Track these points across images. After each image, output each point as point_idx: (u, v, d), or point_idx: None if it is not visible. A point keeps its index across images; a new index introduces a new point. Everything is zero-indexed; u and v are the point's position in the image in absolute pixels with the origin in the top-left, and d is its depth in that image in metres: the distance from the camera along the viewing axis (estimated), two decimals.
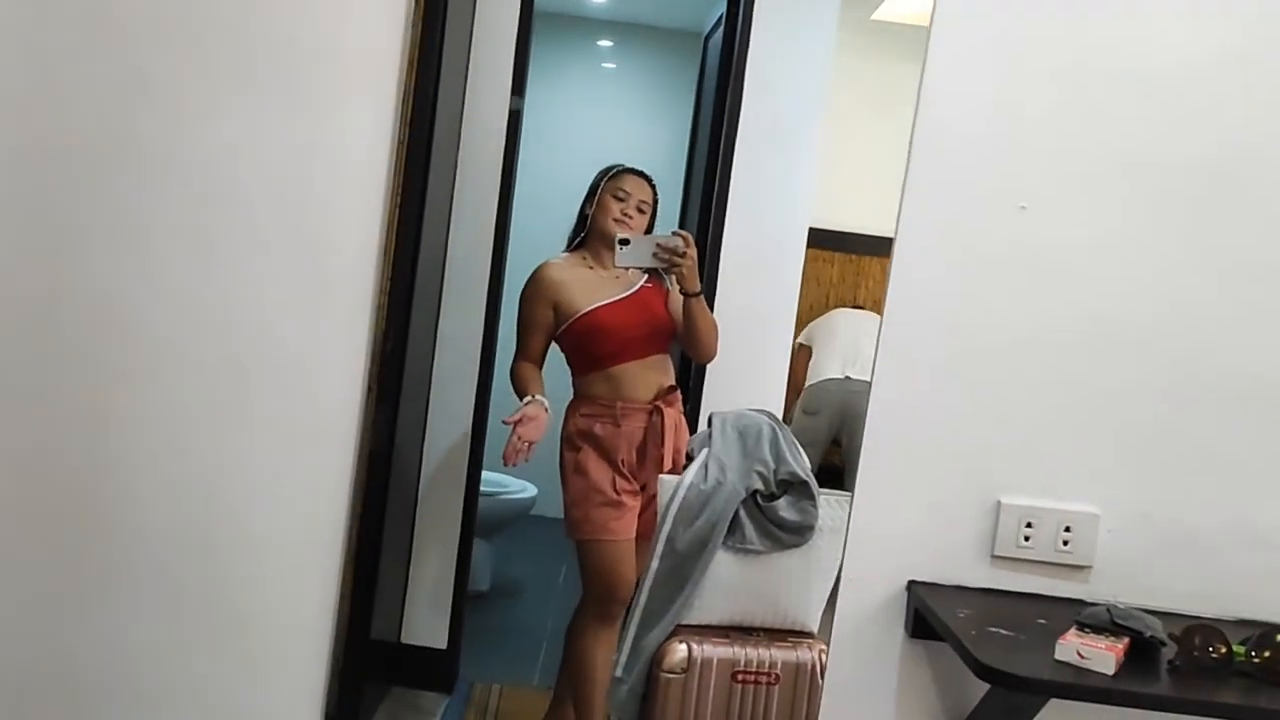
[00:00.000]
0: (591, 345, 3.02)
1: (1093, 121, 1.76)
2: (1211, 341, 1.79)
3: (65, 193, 2.00)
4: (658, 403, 3.01)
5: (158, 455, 2.03)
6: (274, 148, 2.00)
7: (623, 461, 2.99)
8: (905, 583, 1.79)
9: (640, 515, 3.01)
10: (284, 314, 2.02)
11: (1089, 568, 1.80)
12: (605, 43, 5.94)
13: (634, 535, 2.99)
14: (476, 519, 3.74)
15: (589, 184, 3.15)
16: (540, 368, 3.14)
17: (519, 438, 2.95)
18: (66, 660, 2.06)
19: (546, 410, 3.01)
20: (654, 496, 2.81)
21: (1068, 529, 1.78)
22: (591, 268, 3.07)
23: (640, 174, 3.15)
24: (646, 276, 3.09)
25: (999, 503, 1.78)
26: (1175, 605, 1.77)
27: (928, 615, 1.70)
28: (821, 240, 3.91)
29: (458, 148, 3.45)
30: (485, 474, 3.90)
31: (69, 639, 2.06)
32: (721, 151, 3.71)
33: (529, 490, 4.59)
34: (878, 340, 1.78)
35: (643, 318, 3.05)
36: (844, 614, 1.80)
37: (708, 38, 4.44)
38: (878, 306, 4.34)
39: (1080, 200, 1.76)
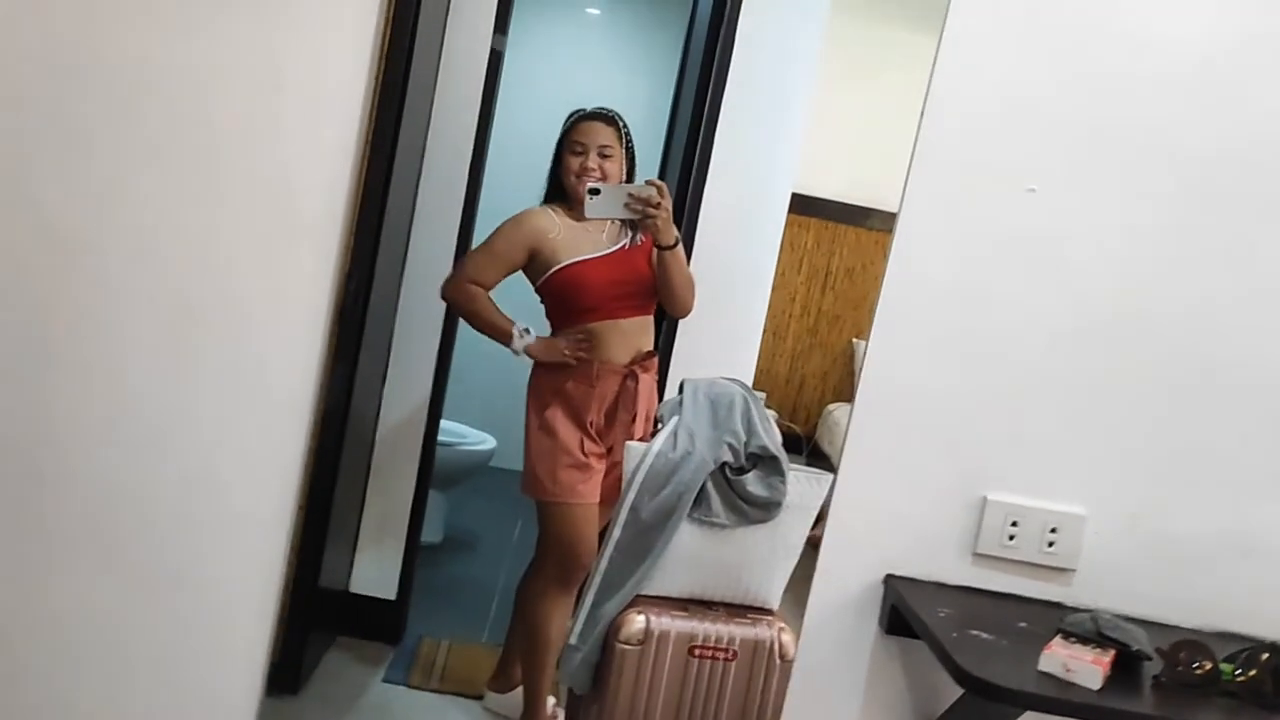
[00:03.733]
0: (569, 300, 2.92)
1: (1109, 104, 1.69)
2: (1213, 341, 1.73)
3: (16, 107, 1.86)
4: (634, 367, 2.92)
5: (95, 395, 1.90)
6: (245, 72, 1.86)
7: (591, 423, 2.90)
8: (883, 576, 1.72)
9: (604, 479, 2.93)
10: (244, 254, 1.89)
11: (1072, 571, 1.74)
12: None
13: (599, 499, 2.91)
14: (433, 469, 3.67)
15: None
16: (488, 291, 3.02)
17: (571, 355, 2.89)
18: None
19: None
20: (619, 462, 2.72)
21: (1053, 530, 1.72)
22: (578, 220, 2.94)
23: (599, 116, 2.99)
24: (637, 232, 2.96)
25: (985, 499, 1.72)
26: (1159, 614, 1.72)
27: (905, 613, 1.63)
28: (800, 206, 3.84)
29: (434, 87, 3.32)
30: (444, 423, 3.81)
31: None
32: (707, 108, 3.59)
33: (488, 441, 4.50)
34: (873, 316, 1.69)
35: (625, 276, 2.94)
36: (817, 604, 1.73)
37: None
38: (851, 275, 4.34)
39: (1088, 186, 1.68)
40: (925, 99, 1.67)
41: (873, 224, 4.02)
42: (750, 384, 3.74)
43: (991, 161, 1.68)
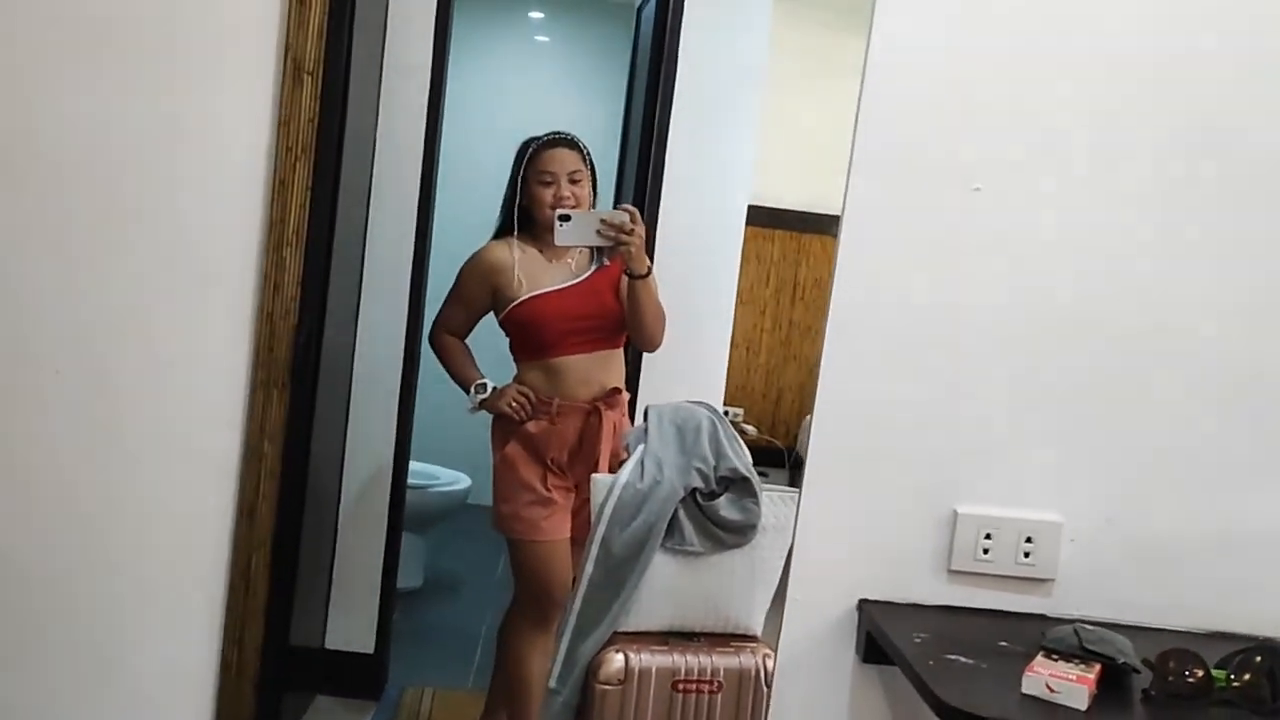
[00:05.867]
0: (528, 335, 2.85)
1: (1055, 90, 1.61)
2: (1181, 336, 1.65)
3: None
4: (598, 403, 2.83)
5: (8, 479, 1.80)
6: (135, 124, 1.78)
7: (553, 460, 2.83)
8: (856, 602, 1.64)
9: (574, 517, 2.85)
10: (153, 312, 1.81)
11: (1051, 580, 1.66)
12: (536, 15, 5.76)
13: (568, 535, 2.84)
14: (405, 513, 3.59)
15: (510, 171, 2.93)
16: (463, 339, 2.99)
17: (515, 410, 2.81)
18: None
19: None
20: (587, 499, 2.64)
21: (1029, 539, 1.65)
22: (542, 251, 2.86)
23: (561, 142, 2.89)
24: (604, 260, 2.86)
25: (955, 512, 1.64)
26: (1144, 619, 1.65)
27: (881, 640, 1.56)
28: (760, 218, 3.82)
29: (375, 126, 3.26)
30: (415, 465, 3.75)
31: None
32: (656, 126, 3.55)
33: (462, 481, 4.43)
34: (825, 330, 1.62)
35: (588, 309, 2.84)
36: (790, 637, 1.65)
37: (640, 8, 4.28)
38: (819, 286, 4.30)
39: (1036, 183, 1.61)
40: (859, 99, 1.60)
41: (838, 231, 4.03)
42: (721, 401, 3.70)
43: (933, 161, 1.61)
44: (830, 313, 1.63)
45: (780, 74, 3.65)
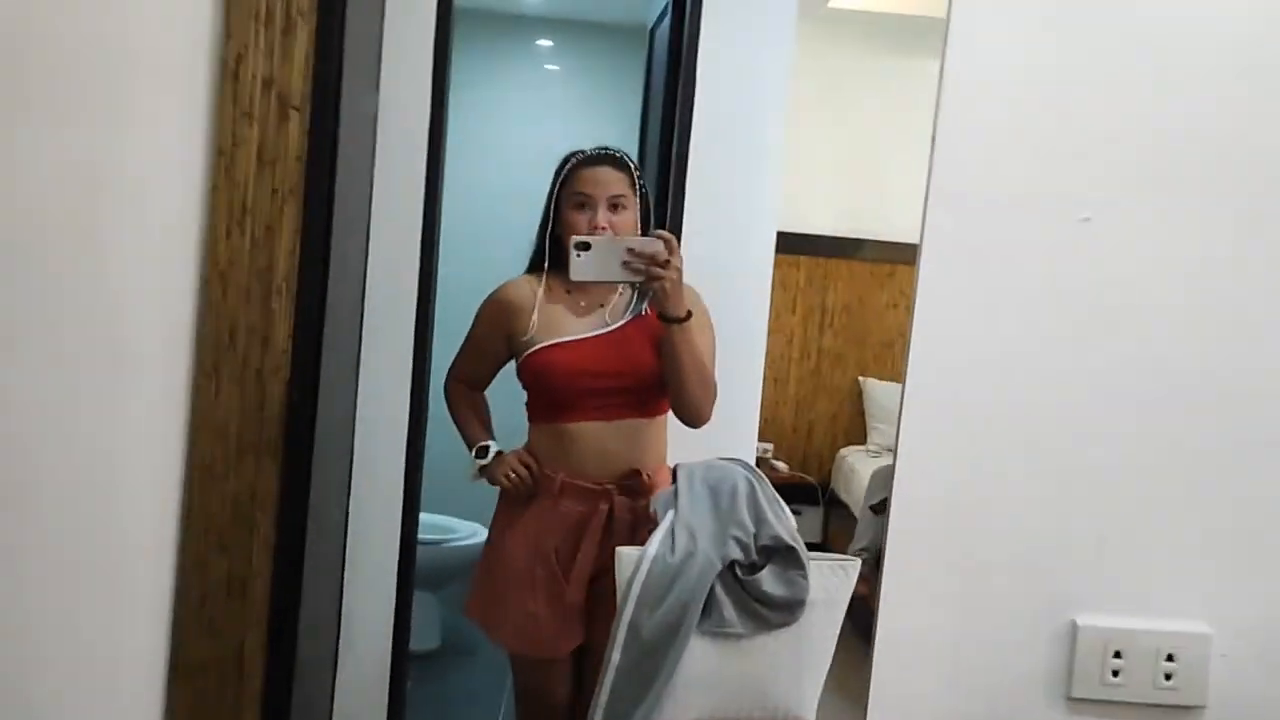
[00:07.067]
0: (540, 394, 2.47)
1: (1170, 99, 1.35)
2: None
3: None
4: (611, 486, 2.39)
5: None
6: (36, 172, 1.49)
7: (556, 551, 2.40)
8: None
9: (593, 623, 2.40)
10: (66, 402, 1.51)
11: (1201, 708, 1.38)
12: (545, 43, 5.65)
13: (571, 649, 2.42)
14: (417, 570, 3.36)
15: (546, 189, 2.52)
16: (481, 391, 2.63)
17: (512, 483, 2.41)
18: None
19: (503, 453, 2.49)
20: (601, 596, 2.28)
21: (1170, 657, 1.37)
22: (569, 292, 2.45)
23: (606, 159, 2.44)
24: (644, 308, 2.42)
25: (1074, 624, 1.36)
26: None
27: None
28: (785, 243, 3.65)
29: (372, 162, 3.04)
30: (428, 519, 3.54)
31: None
32: (675, 153, 3.31)
33: (479, 534, 4.20)
34: (900, 403, 1.35)
35: (615, 365, 2.41)
36: None
37: (654, 30, 4.08)
38: (847, 312, 4.15)
39: (1162, 209, 1.34)
40: (935, 119, 1.33)
41: (865, 255, 3.91)
42: (755, 441, 3.48)
43: (1029, 189, 1.34)
44: (907, 377, 1.36)
45: (801, 97, 3.49)
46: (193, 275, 1.61)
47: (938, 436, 1.33)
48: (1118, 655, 1.37)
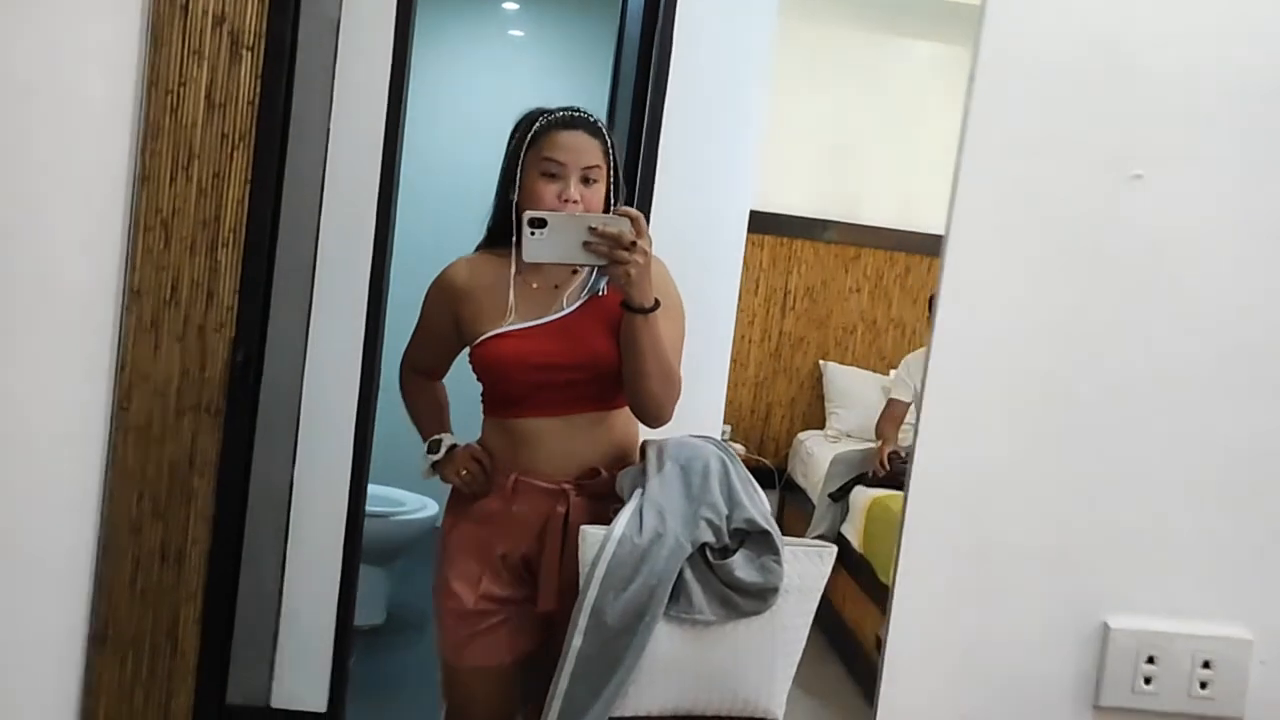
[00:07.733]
0: (491, 385, 2.19)
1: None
2: None
3: None
4: (568, 485, 2.13)
5: None
6: None
7: (503, 557, 2.16)
8: None
9: (542, 633, 2.17)
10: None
11: None
12: (510, 6, 5.48)
13: (510, 660, 2.19)
14: (364, 544, 3.25)
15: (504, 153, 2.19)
16: (438, 379, 2.37)
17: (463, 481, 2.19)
18: None
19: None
20: (558, 609, 2.07)
21: (1206, 664, 1.27)
22: (520, 273, 2.12)
23: (581, 122, 2.12)
24: (601, 288, 2.15)
25: (1105, 626, 1.25)
26: None
27: None
28: (752, 223, 3.52)
29: (329, 113, 2.91)
30: (376, 490, 3.41)
31: None
32: (646, 126, 3.17)
33: (429, 507, 4.07)
34: (921, 388, 1.23)
35: (568, 354, 2.12)
36: None
37: None
38: (810, 294, 4.07)
39: (1225, 164, 1.22)
40: (974, 58, 1.19)
41: (831, 237, 3.80)
42: (720, 424, 3.39)
43: (1074, 138, 1.21)
44: (929, 356, 1.24)
45: (785, 68, 3.37)
46: (122, 220, 1.47)
47: (959, 418, 1.21)
48: (1151, 660, 1.26)
